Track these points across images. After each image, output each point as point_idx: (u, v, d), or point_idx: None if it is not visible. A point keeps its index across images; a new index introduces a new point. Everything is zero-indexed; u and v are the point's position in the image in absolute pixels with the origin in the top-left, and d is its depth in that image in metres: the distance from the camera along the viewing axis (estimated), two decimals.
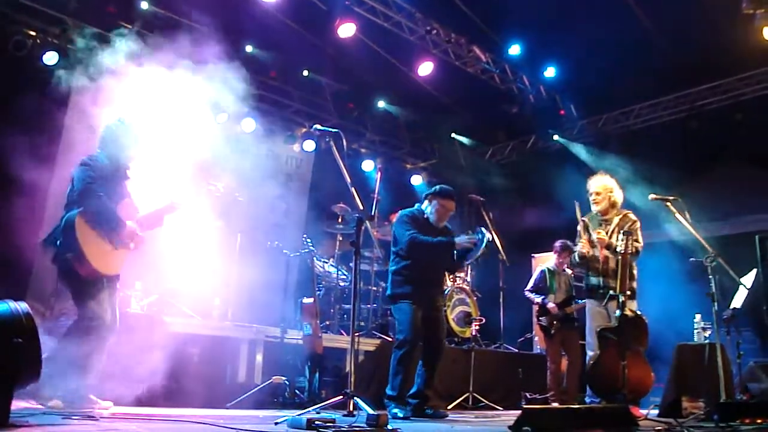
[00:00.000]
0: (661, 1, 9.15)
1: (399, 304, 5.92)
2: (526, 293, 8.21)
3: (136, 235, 4.98)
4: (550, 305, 7.87)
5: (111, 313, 4.91)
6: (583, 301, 8.02)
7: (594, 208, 6.54)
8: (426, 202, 6.17)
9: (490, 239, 6.06)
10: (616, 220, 6.46)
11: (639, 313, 6.13)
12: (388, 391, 5.78)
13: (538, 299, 8.01)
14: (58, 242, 4.68)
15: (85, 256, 4.62)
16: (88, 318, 4.74)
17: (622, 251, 5.91)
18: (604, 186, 6.51)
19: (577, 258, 6.59)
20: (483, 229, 6.07)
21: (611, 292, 6.15)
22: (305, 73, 10.64)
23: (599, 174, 6.67)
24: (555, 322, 7.83)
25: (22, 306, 3.51)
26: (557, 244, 8.31)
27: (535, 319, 8.75)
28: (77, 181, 4.82)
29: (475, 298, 9.16)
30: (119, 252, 4.93)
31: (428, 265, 5.94)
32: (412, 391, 5.88)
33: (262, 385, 6.61)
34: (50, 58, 8.27)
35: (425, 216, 6.11)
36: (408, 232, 5.89)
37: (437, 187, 6.27)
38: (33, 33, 8.28)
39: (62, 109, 8.41)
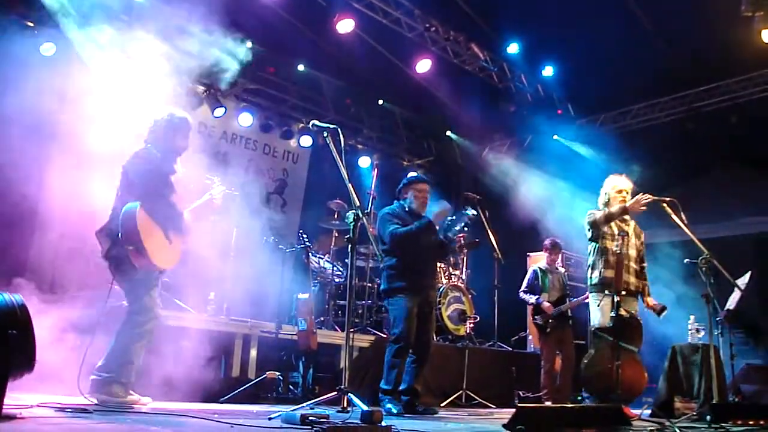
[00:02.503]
0: (660, 2, 9.15)
1: (394, 298, 5.95)
2: (521, 294, 8.23)
3: (189, 228, 5.05)
4: (545, 305, 7.91)
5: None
6: (576, 299, 8.06)
7: (635, 209, 6.43)
8: (403, 196, 6.24)
9: (474, 214, 6.04)
10: (632, 224, 6.49)
11: (633, 313, 6.14)
12: (383, 386, 5.81)
13: (532, 299, 8.05)
14: (119, 234, 4.63)
15: (145, 249, 4.62)
16: (141, 313, 4.77)
17: (618, 251, 5.89)
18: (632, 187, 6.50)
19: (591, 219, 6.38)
20: (469, 208, 6.11)
21: (607, 291, 6.14)
22: (301, 67, 10.61)
23: (616, 175, 6.62)
24: (550, 321, 7.87)
25: (17, 297, 3.50)
26: (547, 242, 8.36)
27: (529, 318, 8.78)
28: (135, 175, 4.80)
29: (470, 296, 9.18)
30: (174, 247, 4.95)
31: (417, 256, 5.96)
32: (402, 388, 5.90)
33: (256, 380, 6.61)
34: (47, 49, 8.24)
35: (407, 209, 6.16)
36: (389, 228, 5.94)
37: (407, 177, 6.42)
38: (30, 23, 8.24)
39: (59, 100, 8.37)
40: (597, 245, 6.42)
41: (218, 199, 5.33)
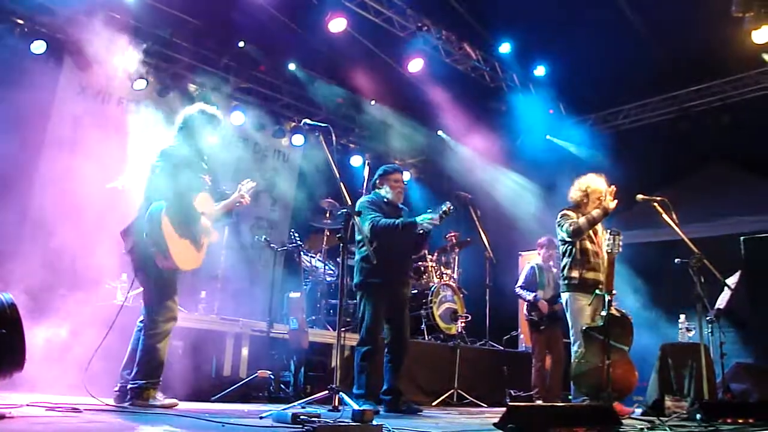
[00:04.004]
0: (652, 3, 9.18)
1: (364, 297, 5.91)
2: (517, 290, 8.26)
3: (210, 230, 5.03)
4: (542, 303, 7.94)
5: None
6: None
7: (611, 207, 6.44)
8: (379, 187, 6.23)
9: (451, 208, 5.93)
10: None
11: (624, 312, 6.16)
12: (355, 391, 5.75)
13: (530, 296, 8.08)
14: (145, 234, 4.63)
15: (169, 250, 4.61)
16: (160, 313, 4.76)
17: (609, 250, 5.88)
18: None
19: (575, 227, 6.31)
20: (447, 202, 5.93)
21: (597, 290, 6.15)
22: (292, 66, 10.58)
23: (593, 174, 6.61)
24: (545, 318, 7.91)
25: (6, 296, 3.48)
26: (543, 239, 8.38)
27: (522, 316, 8.82)
28: (162, 171, 4.76)
29: (461, 295, 9.19)
30: (198, 248, 4.95)
31: (393, 248, 5.85)
32: (384, 388, 5.88)
33: (247, 379, 6.60)
34: (38, 47, 8.19)
35: (385, 200, 6.15)
36: (370, 216, 5.87)
37: (381, 168, 6.39)
38: (20, 21, 8.19)
39: (49, 99, 8.34)
40: (572, 247, 6.42)
41: (247, 196, 5.33)
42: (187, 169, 4.87)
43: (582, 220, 6.28)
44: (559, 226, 6.49)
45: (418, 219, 5.87)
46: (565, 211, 6.49)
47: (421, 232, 6.02)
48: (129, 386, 4.67)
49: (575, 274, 6.34)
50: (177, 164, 4.77)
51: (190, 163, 4.93)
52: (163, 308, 4.78)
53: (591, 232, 6.37)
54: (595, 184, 6.47)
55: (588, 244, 6.37)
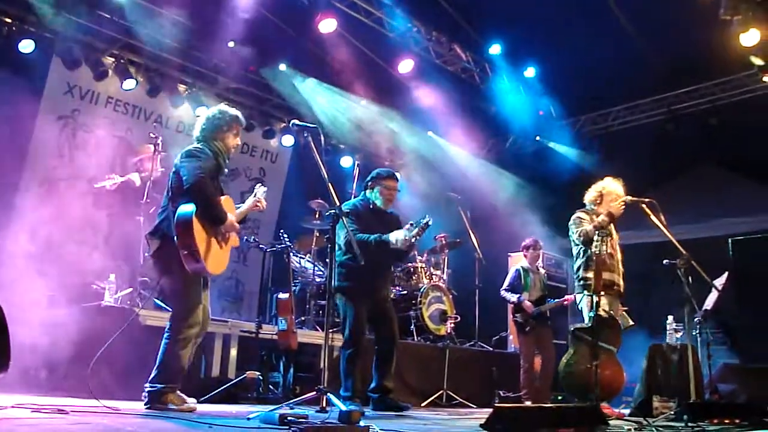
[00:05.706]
0: (642, 5, 9.23)
1: (343, 300, 5.85)
2: (502, 293, 8.29)
3: (235, 228, 4.97)
4: (526, 303, 7.96)
5: (204, 312, 4.90)
6: (557, 300, 8.12)
7: (619, 211, 6.47)
8: (369, 190, 6.13)
9: (429, 222, 5.73)
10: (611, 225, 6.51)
11: (612, 313, 6.18)
12: (342, 393, 5.71)
13: (513, 298, 8.10)
14: (174, 237, 4.55)
15: (199, 254, 4.53)
16: (186, 318, 4.72)
17: (598, 252, 5.89)
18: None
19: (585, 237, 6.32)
20: (426, 215, 5.80)
21: (587, 292, 6.16)
22: (282, 67, 10.55)
23: (614, 178, 6.63)
24: (530, 320, 7.93)
25: None
26: (528, 241, 8.41)
27: (510, 317, 8.83)
28: (187, 172, 4.67)
29: (450, 296, 9.19)
30: (225, 251, 4.89)
31: (372, 259, 5.62)
32: (372, 386, 5.89)
33: (235, 380, 6.58)
34: (26, 46, 8.14)
35: (370, 204, 6.07)
36: (343, 230, 5.67)
37: (376, 171, 6.27)
38: (8, 20, 8.13)
39: (36, 99, 8.29)
40: (586, 248, 6.40)
41: (263, 201, 5.30)
42: (213, 170, 4.83)
43: (589, 227, 6.27)
44: (570, 229, 6.51)
45: (391, 237, 5.73)
46: (577, 214, 6.52)
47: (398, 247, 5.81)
48: (146, 389, 4.62)
49: (589, 274, 6.33)
50: (202, 166, 4.70)
51: (213, 164, 4.86)
52: (189, 313, 4.72)
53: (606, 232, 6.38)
54: (611, 186, 6.53)
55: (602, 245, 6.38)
